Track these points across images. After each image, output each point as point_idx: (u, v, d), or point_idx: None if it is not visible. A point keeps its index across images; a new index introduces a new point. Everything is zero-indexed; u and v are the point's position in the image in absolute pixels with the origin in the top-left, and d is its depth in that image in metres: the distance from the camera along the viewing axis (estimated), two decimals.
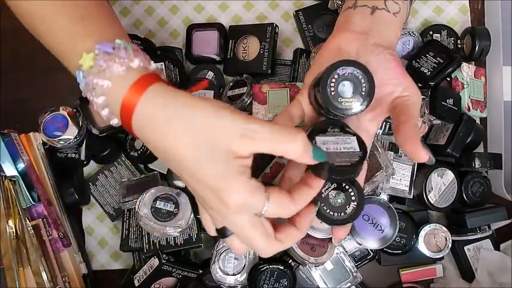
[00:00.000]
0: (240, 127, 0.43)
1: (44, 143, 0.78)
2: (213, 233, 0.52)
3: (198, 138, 0.43)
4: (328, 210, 0.51)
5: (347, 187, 0.52)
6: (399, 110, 0.52)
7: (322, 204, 0.51)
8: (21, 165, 0.75)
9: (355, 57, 0.53)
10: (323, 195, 0.51)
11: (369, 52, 0.53)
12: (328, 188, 0.52)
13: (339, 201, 0.52)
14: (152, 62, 0.50)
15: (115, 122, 0.50)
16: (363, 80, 0.50)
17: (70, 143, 0.77)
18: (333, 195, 0.52)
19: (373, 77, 0.50)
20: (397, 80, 0.53)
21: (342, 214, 0.51)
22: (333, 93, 0.50)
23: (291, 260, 0.74)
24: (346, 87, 0.50)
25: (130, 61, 0.47)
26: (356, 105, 0.50)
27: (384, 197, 0.76)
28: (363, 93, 0.50)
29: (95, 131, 0.78)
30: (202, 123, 0.43)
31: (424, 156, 0.49)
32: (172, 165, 0.47)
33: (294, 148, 0.44)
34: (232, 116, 0.43)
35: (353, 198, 0.52)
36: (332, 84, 0.50)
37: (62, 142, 0.77)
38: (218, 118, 0.43)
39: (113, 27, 0.53)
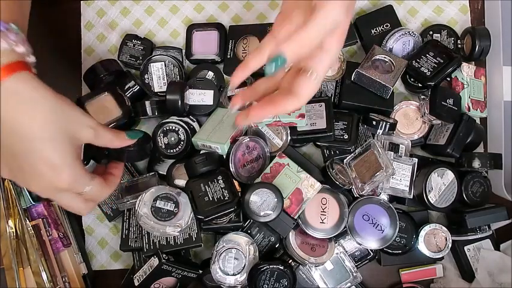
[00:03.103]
0: (90, 121, 0.57)
1: None
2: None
3: (56, 122, 0.53)
4: None
5: None
6: None
7: None
8: None
9: None
10: None
11: None
12: None
13: None
14: (33, 57, 0.55)
15: None
16: None
17: None
18: None
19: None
20: None
21: None
22: None
23: (291, 260, 0.74)
24: None
25: (17, 45, 0.52)
26: None
27: (384, 197, 0.76)
28: None
29: None
30: (61, 109, 0.54)
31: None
32: (10, 141, 0.52)
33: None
34: (82, 111, 0.57)
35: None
36: None
37: None
38: (73, 109, 0.56)
39: (13, 13, 0.56)
